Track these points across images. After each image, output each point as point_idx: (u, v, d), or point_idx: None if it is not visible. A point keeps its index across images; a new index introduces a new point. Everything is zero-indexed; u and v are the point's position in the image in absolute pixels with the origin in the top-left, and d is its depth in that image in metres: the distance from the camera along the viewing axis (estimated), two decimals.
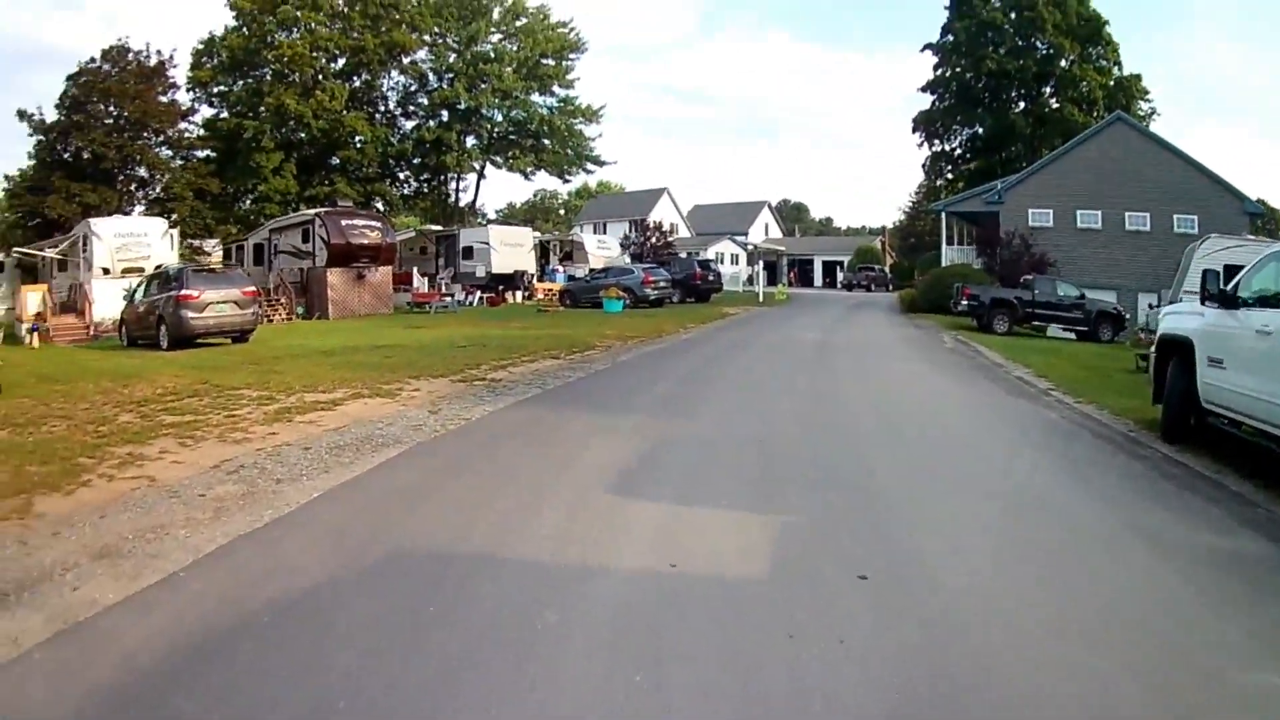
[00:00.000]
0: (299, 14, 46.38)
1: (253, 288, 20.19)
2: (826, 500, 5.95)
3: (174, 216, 35.23)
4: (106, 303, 23.36)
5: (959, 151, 53.34)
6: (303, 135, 47.11)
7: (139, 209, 37.99)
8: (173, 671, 3.54)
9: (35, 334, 21.69)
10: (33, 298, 24.71)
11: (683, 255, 43.90)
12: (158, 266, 22.00)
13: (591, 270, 36.71)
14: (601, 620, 4.00)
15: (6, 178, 40.04)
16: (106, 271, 24.37)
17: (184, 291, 18.15)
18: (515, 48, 53.17)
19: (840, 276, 62.92)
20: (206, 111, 48.15)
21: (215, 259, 34.76)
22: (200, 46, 47.80)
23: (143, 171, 40.00)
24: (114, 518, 5.71)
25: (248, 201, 48.12)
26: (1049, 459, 7.85)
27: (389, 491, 6.44)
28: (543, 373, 13.08)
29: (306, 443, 8.16)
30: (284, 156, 46.23)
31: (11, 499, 6.14)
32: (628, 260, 40.12)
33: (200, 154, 44.26)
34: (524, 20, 53.61)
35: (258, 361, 14.83)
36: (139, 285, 20.69)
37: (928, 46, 51.86)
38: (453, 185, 58.18)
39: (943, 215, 39.75)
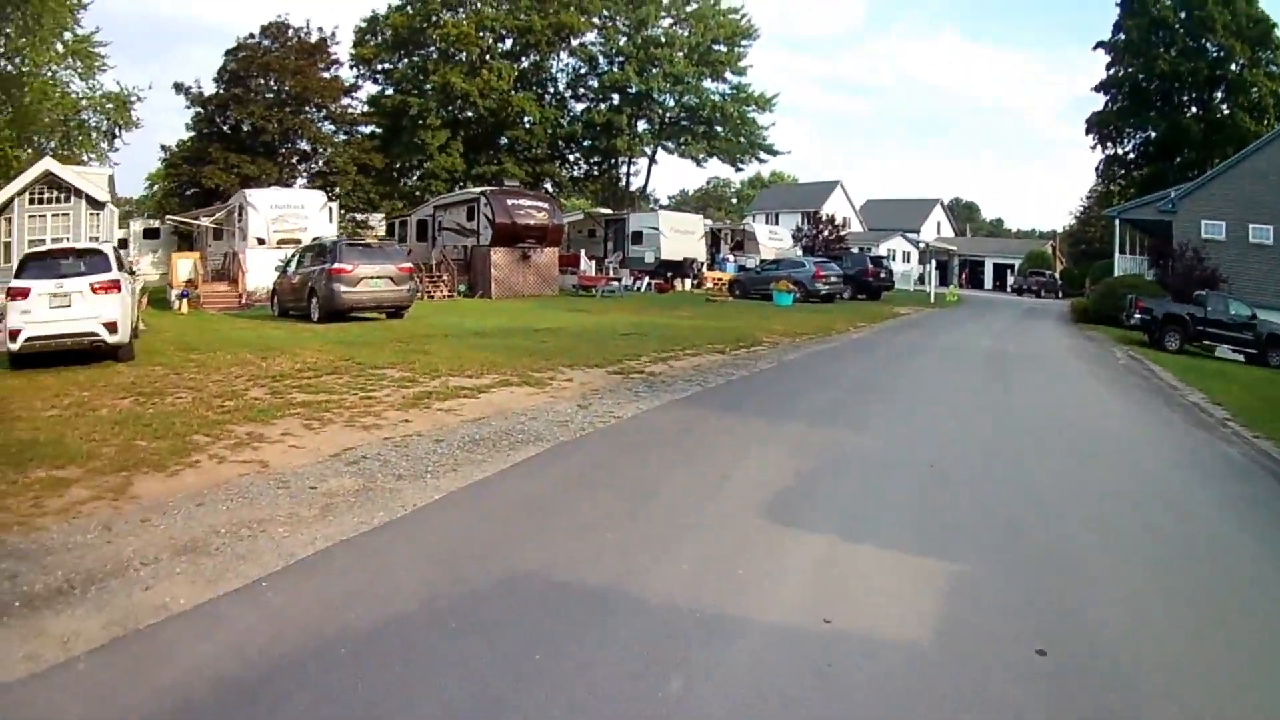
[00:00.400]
0: None
1: (409, 264, 20.79)
2: (1001, 548, 5.45)
3: (335, 190, 37.93)
4: (260, 273, 24.33)
5: (1131, 156, 53.31)
6: (469, 114, 49.96)
7: (300, 182, 40.89)
8: (216, 710, 3.15)
9: (184, 300, 23.07)
10: (183, 264, 26.05)
11: (854, 250, 45.23)
12: (314, 239, 23.06)
13: (762, 261, 38.27)
14: (736, 696, 3.45)
15: (163, 148, 44.14)
16: (261, 242, 25.87)
17: (337, 265, 18.85)
18: (686, 32, 55.19)
19: (1010, 280, 65.21)
20: (371, 89, 51.99)
21: (378, 234, 36.66)
22: (363, 24, 51.75)
23: (304, 145, 43.04)
24: (211, 507, 5.60)
25: (414, 178, 51.60)
26: (1244, 509, 7.19)
27: (517, 500, 5.98)
28: (704, 368, 12.98)
29: (440, 434, 7.97)
30: (450, 134, 48.95)
31: (111, 476, 6.22)
32: (799, 252, 41.46)
33: (365, 130, 47.47)
34: (694, 5, 55.70)
35: (407, 340, 15.26)
36: (293, 256, 21.85)
37: (1100, 44, 52.08)
38: (623, 169, 60.60)
39: (1116, 222, 38.31)
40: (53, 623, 3.93)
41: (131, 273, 14.36)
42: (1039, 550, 5.37)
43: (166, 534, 5.07)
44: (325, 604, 4.12)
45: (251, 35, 41.31)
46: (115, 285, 11.51)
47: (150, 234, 34.34)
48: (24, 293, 11.03)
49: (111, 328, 11.31)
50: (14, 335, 10.95)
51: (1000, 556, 5.23)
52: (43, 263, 11.81)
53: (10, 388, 9.96)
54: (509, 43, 52.53)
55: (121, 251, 15.29)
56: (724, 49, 55.52)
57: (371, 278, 19.07)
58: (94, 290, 11.26)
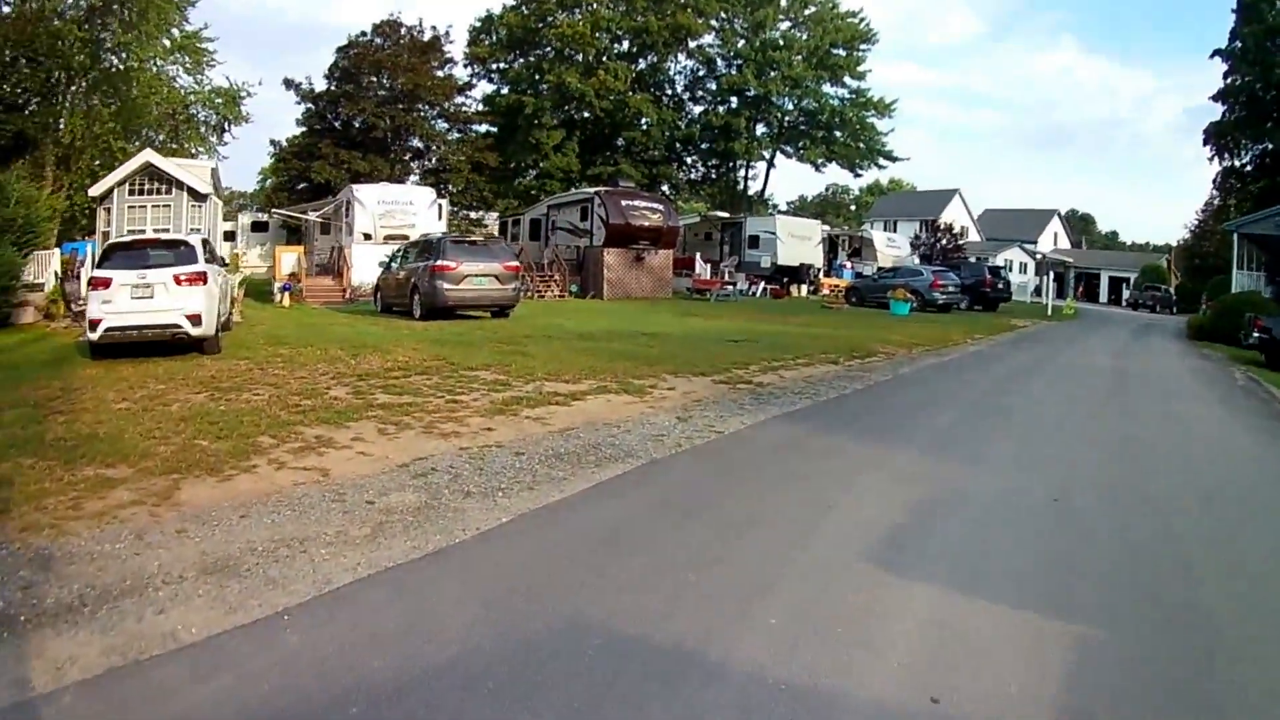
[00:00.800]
0: None
1: (515, 262, 20.83)
2: (1138, 612, 4.69)
3: (448, 188, 39.16)
4: (365, 268, 24.88)
5: (1249, 168, 51.91)
6: (586, 114, 51.83)
7: (413, 179, 42.27)
8: None
9: (286, 293, 23.92)
10: (287, 258, 27.00)
11: (972, 259, 46.18)
12: (422, 235, 23.35)
13: (879, 269, 39.07)
14: None
15: (273, 142, 46.77)
16: (368, 237, 26.54)
17: (440, 262, 19.01)
18: (804, 36, 56.60)
19: (1125, 294, 66.73)
20: (486, 87, 54.47)
21: (490, 232, 37.44)
22: (477, 24, 54.48)
23: (417, 143, 44.61)
24: (255, 520, 5.31)
25: (529, 177, 53.18)
26: None
27: (592, 529, 5.45)
28: (816, 380, 12.66)
29: (522, 445, 7.58)
30: (565, 134, 50.76)
31: (161, 479, 6.04)
32: (916, 261, 42.54)
33: (479, 128, 48.95)
34: (812, 9, 57.09)
35: (508, 340, 15.19)
36: (397, 253, 22.27)
37: (1216, 52, 50.99)
38: (741, 173, 62.05)
39: (1234, 236, 37.66)
40: (53, 644, 3.69)
41: (224, 265, 14.62)
42: (1184, 623, 4.54)
43: (199, 549, 4.78)
44: (347, 648, 3.68)
45: (363, 33, 43.14)
46: (200, 277, 11.64)
47: (259, 227, 35.87)
48: (105, 282, 11.26)
49: (195, 320, 11.44)
50: (94, 325, 11.18)
51: (1136, 623, 4.46)
52: (127, 253, 12.06)
53: (87, 378, 10.14)
54: (625, 44, 54.47)
55: (212, 244, 15.64)
56: (843, 53, 56.91)
57: (475, 275, 19.17)
58: (178, 282, 11.42)
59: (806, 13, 57.15)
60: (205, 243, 13.25)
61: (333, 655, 3.61)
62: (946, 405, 11.34)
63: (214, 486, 5.94)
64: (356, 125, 41.47)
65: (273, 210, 37.13)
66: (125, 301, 11.21)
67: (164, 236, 13.84)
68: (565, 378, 11.14)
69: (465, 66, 51.34)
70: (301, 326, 17.60)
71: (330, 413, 8.48)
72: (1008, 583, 4.79)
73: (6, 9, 24.82)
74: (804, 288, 36.97)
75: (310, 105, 43.37)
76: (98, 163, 24.21)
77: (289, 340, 14.30)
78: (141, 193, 20.78)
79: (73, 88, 27.10)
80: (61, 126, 26.58)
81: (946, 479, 7.24)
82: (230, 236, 34.91)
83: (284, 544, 4.89)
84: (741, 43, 57.07)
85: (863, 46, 57.73)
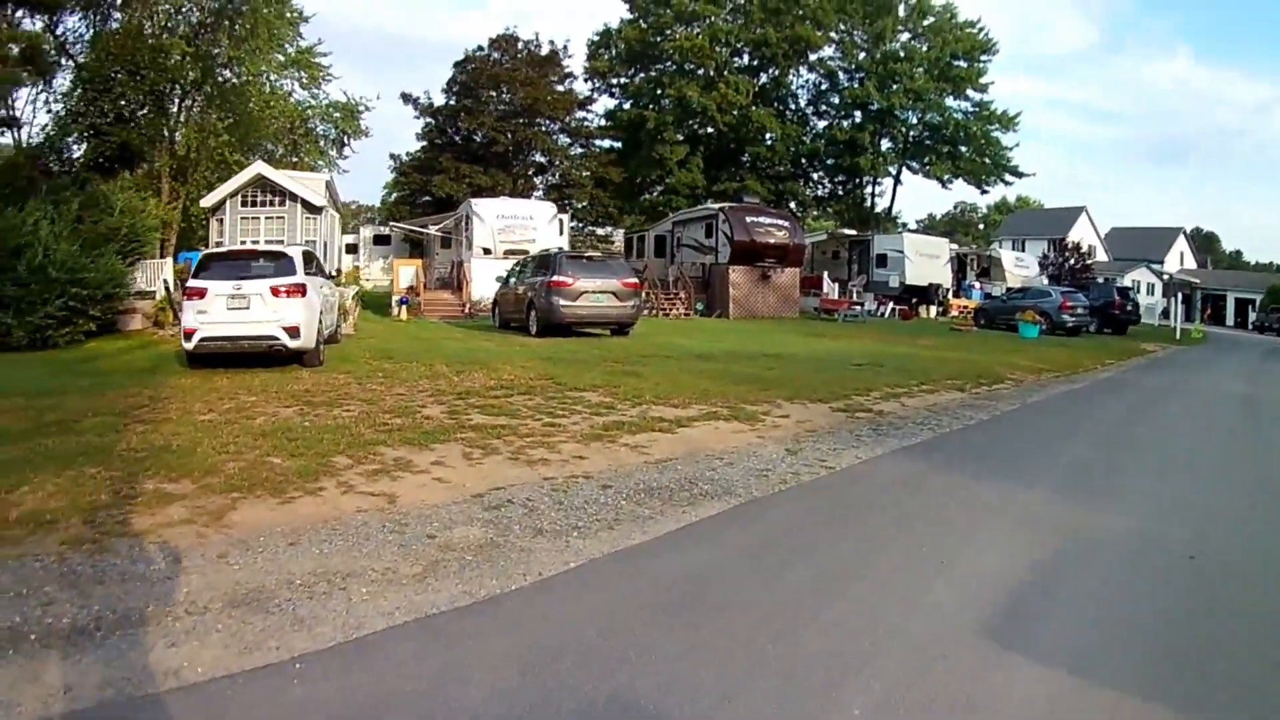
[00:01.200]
0: (695, 6, 51.87)
1: (634, 279, 20.79)
2: None
3: (571, 203, 40.09)
4: (484, 283, 25.24)
5: None
6: (709, 129, 52.89)
7: (537, 194, 43.46)
8: None
9: (404, 307, 24.73)
10: (405, 271, 27.85)
11: (1100, 280, 46.63)
12: (541, 251, 23.61)
13: (1008, 289, 39.60)
14: None
15: (392, 156, 49.46)
16: (487, 251, 26.98)
17: (556, 278, 19.09)
18: (925, 47, 56.78)
19: (1252, 316, 66.99)
20: (608, 102, 56.03)
21: (616, 248, 37.81)
22: (595, 38, 56.11)
23: (539, 157, 45.91)
24: (303, 550, 5.13)
25: (655, 192, 54.22)
26: None
27: (666, 580, 5.01)
28: (940, 408, 12.22)
29: (613, 477, 7.23)
30: (689, 149, 51.75)
31: (220, 497, 5.98)
32: (1045, 281, 43.24)
33: (602, 143, 50.37)
34: (931, 19, 57.13)
35: (622, 359, 15.08)
36: (515, 267, 22.50)
37: None
38: (868, 189, 62.35)
39: None
40: (52, 669, 3.63)
41: (331, 278, 14.93)
42: None
43: (234, 578, 4.62)
44: (354, 710, 3.39)
45: (480, 48, 44.93)
46: (299, 289, 11.84)
47: (381, 240, 37.17)
48: (201, 292, 11.57)
49: (293, 332, 11.62)
50: (188, 335, 11.51)
51: None
52: (224, 263, 12.42)
53: (180, 387, 10.40)
54: (746, 58, 55.56)
55: (318, 256, 16.08)
56: (964, 64, 56.97)
57: (593, 292, 19.19)
58: (275, 293, 11.64)
59: (925, 23, 57.37)
60: (309, 255, 13.54)
61: (336, 716, 3.33)
62: (1076, 438, 10.72)
63: (272, 508, 5.83)
64: (477, 139, 42.93)
65: (392, 224, 38.56)
66: (220, 312, 11.50)
67: (262, 247, 14.26)
68: (674, 401, 10.83)
69: (585, 81, 53.02)
70: (413, 341, 17.91)
71: (417, 433, 8.36)
72: (1136, 667, 4.09)
73: (114, 24, 26.52)
74: (932, 309, 36.91)
75: (429, 120, 45.24)
76: (216, 175, 25.42)
77: (396, 355, 14.49)
78: (254, 204, 21.70)
79: (186, 101, 28.70)
80: (178, 139, 28.21)
81: (1074, 526, 6.56)
82: (352, 249, 36.26)
83: (325, 578, 4.67)
84: (862, 55, 57.60)
85: (983, 57, 57.83)
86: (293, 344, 11.71)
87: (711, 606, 4.62)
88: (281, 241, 19.54)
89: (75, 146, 28.12)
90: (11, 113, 26.43)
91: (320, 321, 12.73)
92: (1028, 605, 4.86)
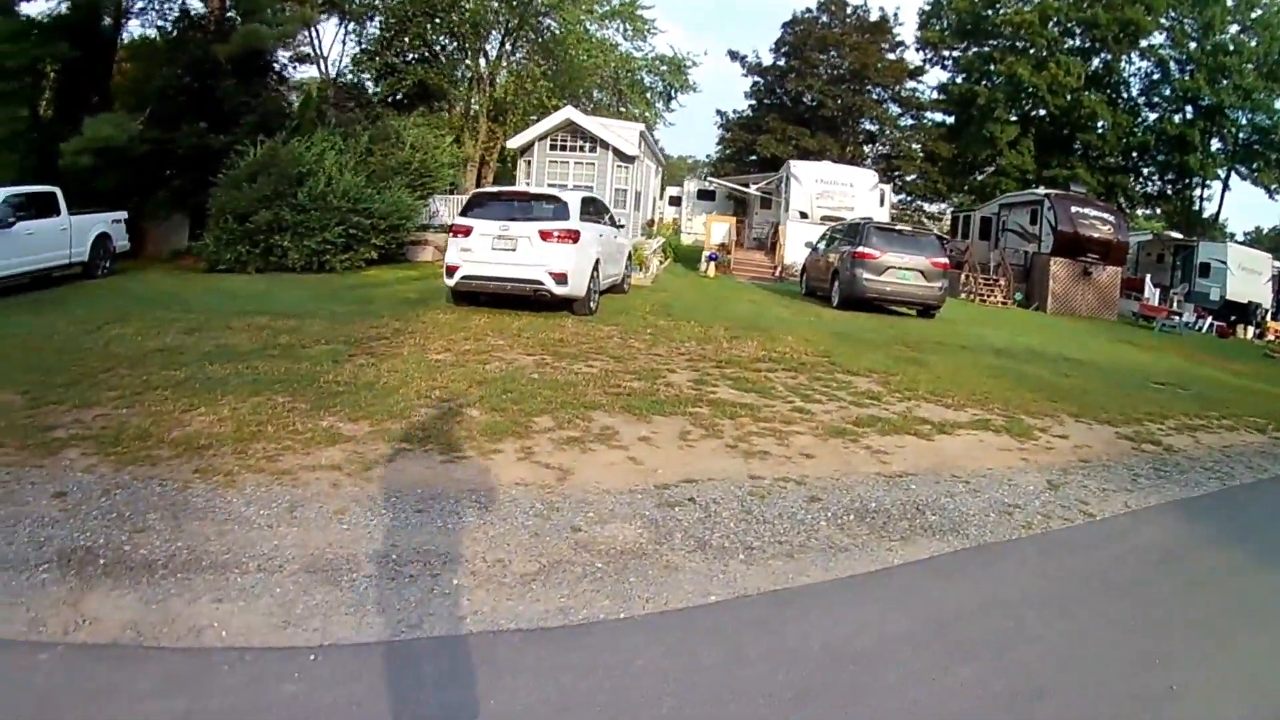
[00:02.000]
0: None
1: (944, 258, 19.30)
2: None
3: (899, 174, 39.70)
4: (797, 247, 24.69)
5: None
6: (1041, 111, 50.50)
7: (867, 163, 42.54)
8: None
9: (712, 264, 24.45)
10: (718, 228, 27.84)
11: None
12: (852, 219, 22.82)
13: None
14: None
15: (719, 113, 49.13)
16: (804, 215, 26.33)
17: (862, 249, 18.09)
18: (1254, 42, 51.04)
19: None
20: (940, 75, 53.81)
21: (943, 226, 36.51)
22: (926, 7, 53.46)
23: (869, 125, 45.45)
24: (425, 519, 4.79)
25: (985, 172, 52.09)
26: None
27: (807, 650, 3.95)
28: (1234, 452, 9.64)
29: (828, 487, 6.17)
30: (1020, 130, 49.54)
31: (384, 445, 5.84)
32: None
33: (934, 116, 49.08)
34: (1259, 12, 51.01)
35: (914, 344, 13.78)
36: (826, 234, 21.75)
37: None
38: (1196, 192, 56.45)
39: None
40: (94, 598, 3.80)
41: (616, 225, 14.73)
42: None
43: (329, 540, 4.30)
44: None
45: (809, 10, 44.98)
46: (570, 235, 11.63)
47: (705, 195, 37.34)
48: (466, 230, 11.65)
49: (560, 279, 11.45)
50: (450, 271, 11.66)
51: None
52: (495, 203, 12.44)
53: (431, 322, 10.56)
54: (1076, 39, 52.35)
55: (604, 203, 16.07)
56: None
57: (899, 268, 17.97)
58: (544, 237, 11.48)
59: (1253, 16, 51.22)
60: (590, 200, 13.36)
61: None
62: None
63: (429, 467, 5.48)
64: (805, 101, 43.11)
65: (711, 179, 39.06)
66: (485, 251, 11.53)
67: (537, 190, 14.25)
68: (948, 400, 9.43)
69: (917, 51, 51.74)
70: (706, 298, 17.52)
71: (646, 401, 7.67)
72: None
73: None
74: (1249, 329, 33.46)
75: (757, 79, 45.79)
76: (535, 119, 26.25)
77: (677, 313, 13.97)
78: (563, 148, 22.08)
79: (505, 46, 29.99)
80: (499, 82, 29.62)
81: None
82: (675, 202, 36.92)
83: (422, 561, 4.21)
84: (1193, 45, 52.34)
85: None
86: (559, 290, 11.57)
87: (839, 703, 3.62)
88: (591, 188, 19.73)
89: (373, 84, 30.45)
90: (318, 50, 28.65)
91: (597, 270, 12.54)
92: None
